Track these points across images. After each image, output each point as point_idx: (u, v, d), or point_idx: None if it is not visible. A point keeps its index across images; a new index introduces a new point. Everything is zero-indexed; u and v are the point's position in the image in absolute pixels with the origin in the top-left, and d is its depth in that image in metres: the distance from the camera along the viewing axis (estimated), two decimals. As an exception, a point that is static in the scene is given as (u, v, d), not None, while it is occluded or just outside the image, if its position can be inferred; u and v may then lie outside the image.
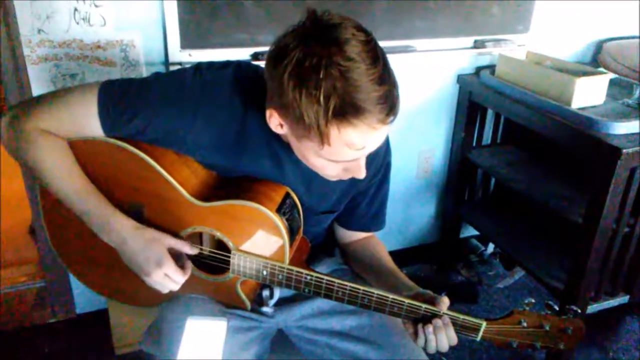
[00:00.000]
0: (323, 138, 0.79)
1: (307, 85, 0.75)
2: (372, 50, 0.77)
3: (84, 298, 1.85)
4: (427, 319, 0.94)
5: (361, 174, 0.90)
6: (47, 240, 1.13)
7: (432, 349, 0.94)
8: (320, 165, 0.88)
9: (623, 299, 1.79)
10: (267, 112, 0.85)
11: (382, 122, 0.79)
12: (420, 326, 0.94)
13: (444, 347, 0.93)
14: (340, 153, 0.82)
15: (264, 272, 0.98)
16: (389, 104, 0.78)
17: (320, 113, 0.76)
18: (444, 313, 0.94)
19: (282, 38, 0.79)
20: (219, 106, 0.92)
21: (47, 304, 1.90)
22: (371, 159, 1.02)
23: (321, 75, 0.74)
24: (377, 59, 0.77)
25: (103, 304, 1.80)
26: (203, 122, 0.92)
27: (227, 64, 0.95)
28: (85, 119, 0.93)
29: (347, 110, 0.75)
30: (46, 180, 0.96)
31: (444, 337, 0.93)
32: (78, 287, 1.82)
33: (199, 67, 0.94)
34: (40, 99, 0.96)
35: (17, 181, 1.63)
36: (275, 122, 0.85)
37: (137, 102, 0.91)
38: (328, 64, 0.74)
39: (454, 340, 0.94)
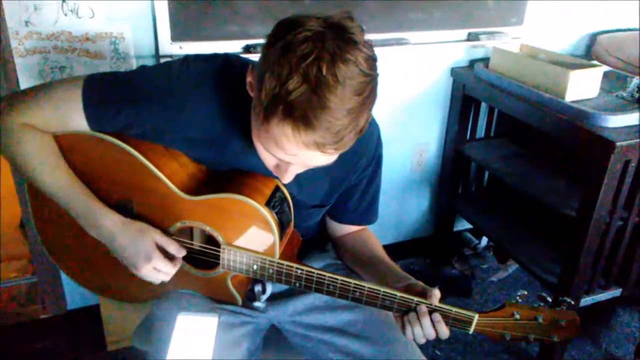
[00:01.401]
0: (265, 120, 0.75)
1: (283, 66, 0.72)
2: (362, 84, 0.73)
3: (75, 293, 1.84)
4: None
5: (284, 179, 0.87)
6: (36, 235, 1.12)
7: (419, 337, 0.93)
8: (258, 148, 0.85)
9: (616, 292, 1.79)
10: (250, 66, 0.83)
11: (319, 148, 0.75)
12: (406, 317, 0.94)
13: (430, 334, 0.92)
14: (270, 145, 0.79)
15: (255, 267, 0.97)
16: (338, 137, 0.75)
17: (275, 98, 0.73)
18: (436, 306, 0.93)
19: (310, 16, 0.75)
20: (205, 100, 0.91)
21: (38, 300, 1.89)
22: (362, 152, 1.01)
23: (300, 67, 0.70)
24: (361, 94, 0.73)
25: (94, 299, 1.78)
26: (189, 116, 0.90)
27: (215, 56, 0.94)
28: (70, 114, 0.91)
29: (295, 114, 0.72)
30: (32, 176, 0.95)
31: (427, 322, 0.92)
32: (69, 283, 1.80)
33: (185, 59, 0.93)
34: (26, 93, 0.95)
35: (8, 175, 1.62)
36: (249, 78, 0.83)
37: (122, 96, 0.90)
38: (312, 64, 0.70)
39: (446, 333, 0.93)
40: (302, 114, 0.72)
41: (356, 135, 0.78)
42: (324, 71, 0.70)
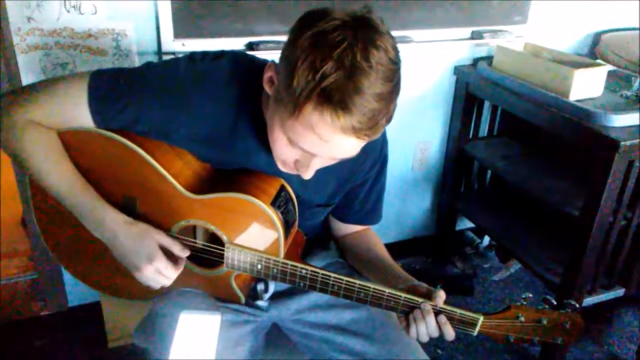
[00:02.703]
0: (296, 108, 0.76)
1: (315, 54, 0.73)
2: (392, 72, 0.76)
3: (77, 291, 1.83)
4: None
5: (306, 174, 0.87)
6: (38, 233, 1.11)
7: (423, 335, 0.93)
8: (279, 143, 0.84)
9: (619, 292, 1.79)
10: (269, 62, 0.84)
11: (355, 133, 0.76)
12: (410, 316, 0.93)
13: (433, 331, 0.92)
14: (301, 134, 0.79)
15: (259, 266, 0.97)
16: (373, 122, 0.76)
17: (310, 84, 0.73)
18: (441, 308, 0.93)
19: (333, 8, 0.77)
20: (213, 98, 0.90)
21: (39, 297, 1.88)
22: (368, 151, 1.00)
23: (334, 55, 0.72)
24: (390, 80, 0.76)
25: (96, 296, 1.78)
26: (196, 114, 0.90)
27: (221, 54, 0.93)
28: (75, 110, 0.90)
29: (333, 99, 0.73)
30: (35, 173, 0.94)
31: (432, 319, 0.92)
32: (70, 280, 1.80)
33: (192, 56, 0.92)
34: (29, 89, 0.94)
35: (10, 172, 1.61)
36: (269, 74, 0.83)
37: (128, 93, 0.89)
38: (346, 51, 0.72)
39: (451, 335, 0.93)
40: (340, 99, 0.73)
41: (387, 122, 0.80)
42: (358, 57, 0.72)
